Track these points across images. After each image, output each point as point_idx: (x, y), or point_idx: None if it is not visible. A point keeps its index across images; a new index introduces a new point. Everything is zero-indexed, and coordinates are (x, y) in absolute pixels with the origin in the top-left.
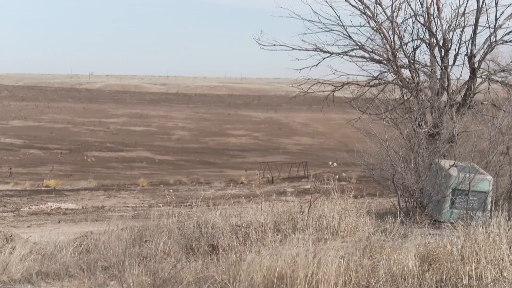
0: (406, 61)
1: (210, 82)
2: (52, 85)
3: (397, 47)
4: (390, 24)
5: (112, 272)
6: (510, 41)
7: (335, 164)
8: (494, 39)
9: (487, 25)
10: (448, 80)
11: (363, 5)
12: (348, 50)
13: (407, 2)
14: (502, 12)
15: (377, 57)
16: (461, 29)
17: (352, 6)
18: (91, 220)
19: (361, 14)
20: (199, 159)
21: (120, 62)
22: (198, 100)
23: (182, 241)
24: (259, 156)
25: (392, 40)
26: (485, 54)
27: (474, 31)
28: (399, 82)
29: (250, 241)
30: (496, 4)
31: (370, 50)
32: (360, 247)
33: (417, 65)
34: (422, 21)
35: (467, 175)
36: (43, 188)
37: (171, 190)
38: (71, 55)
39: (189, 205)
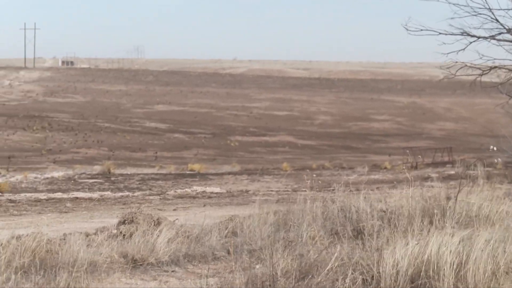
0: None
1: (352, 67)
2: (195, 70)
3: None
4: None
5: (258, 255)
6: None
7: (495, 148)
8: None
9: None
10: None
11: None
12: (495, 34)
13: None
14: None
15: None
16: None
17: None
18: (236, 204)
19: None
20: (342, 144)
21: (263, 47)
22: (341, 85)
23: (326, 226)
24: (402, 141)
25: None
26: None
27: None
28: None
29: (395, 226)
30: None
31: None
32: (510, 234)
33: None
34: None
35: None
36: (187, 172)
37: (314, 175)
38: (215, 40)
39: (333, 189)
